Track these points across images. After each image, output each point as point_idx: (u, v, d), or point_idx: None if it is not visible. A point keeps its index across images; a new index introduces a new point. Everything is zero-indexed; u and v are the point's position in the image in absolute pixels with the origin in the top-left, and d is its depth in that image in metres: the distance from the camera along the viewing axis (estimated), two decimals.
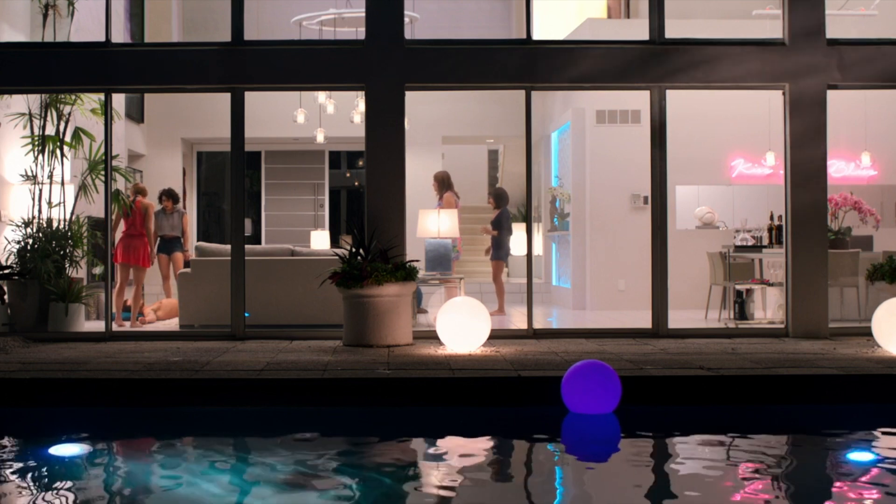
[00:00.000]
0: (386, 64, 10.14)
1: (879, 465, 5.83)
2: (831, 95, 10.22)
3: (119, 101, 13.70)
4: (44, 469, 5.74)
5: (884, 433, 6.60)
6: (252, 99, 10.43)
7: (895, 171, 13.79)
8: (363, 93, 10.79)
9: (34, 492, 5.20)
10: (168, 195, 13.20)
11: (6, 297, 10.18)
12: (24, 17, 11.70)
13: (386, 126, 10.13)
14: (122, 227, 11.72)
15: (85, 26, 11.96)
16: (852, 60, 10.19)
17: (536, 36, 10.52)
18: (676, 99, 10.69)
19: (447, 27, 16.30)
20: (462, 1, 17.18)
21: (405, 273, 9.25)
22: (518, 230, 15.21)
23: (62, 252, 10.74)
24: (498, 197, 13.46)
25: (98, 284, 12.00)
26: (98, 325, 10.89)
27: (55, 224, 10.93)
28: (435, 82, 10.47)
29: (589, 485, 5.53)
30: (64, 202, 11.07)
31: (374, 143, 10.12)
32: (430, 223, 10.76)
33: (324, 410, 7.16)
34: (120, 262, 11.58)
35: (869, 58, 10.23)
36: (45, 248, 10.63)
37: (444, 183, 12.71)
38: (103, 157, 10.52)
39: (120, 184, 11.45)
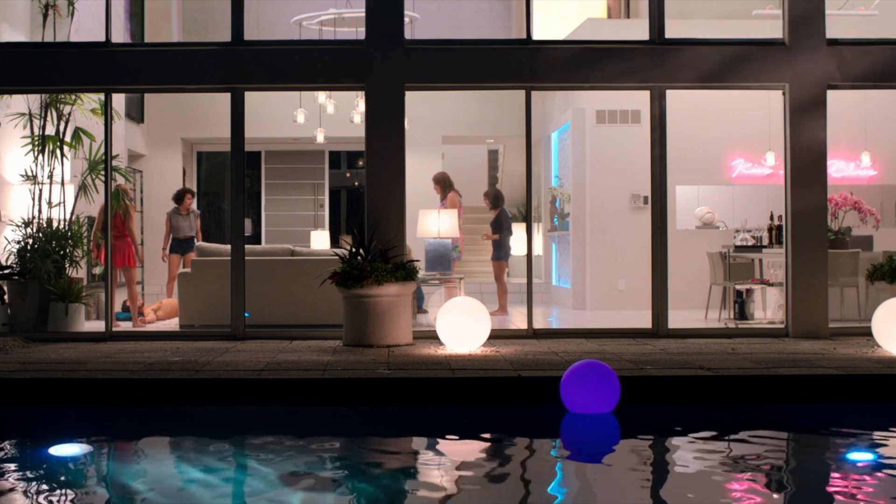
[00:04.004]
0: (386, 64, 10.14)
1: (879, 464, 5.83)
2: (831, 95, 10.22)
3: (119, 101, 13.69)
4: (44, 469, 5.74)
5: (883, 433, 6.60)
6: (252, 99, 10.43)
7: (895, 171, 13.79)
8: (363, 93, 10.79)
9: (34, 492, 5.20)
10: (192, 194, 13.15)
11: (6, 297, 10.18)
12: (24, 17, 11.70)
13: (386, 126, 10.12)
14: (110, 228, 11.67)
15: (85, 26, 11.96)
16: (852, 60, 10.19)
17: (536, 36, 10.52)
18: (676, 99, 10.69)
19: (447, 27, 16.29)
20: (462, 1, 17.17)
21: (405, 273, 9.25)
22: (518, 230, 15.21)
23: (62, 252, 10.74)
24: (494, 197, 13.45)
25: (98, 284, 11.99)
26: (98, 325, 10.89)
27: (55, 224, 10.92)
28: (435, 82, 10.46)
29: (588, 484, 5.53)
30: (64, 202, 11.06)
31: (374, 143, 10.12)
32: (430, 223, 10.76)
33: (324, 410, 7.17)
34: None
35: (869, 58, 10.23)
36: (45, 248, 10.63)
37: (444, 183, 12.71)
38: (103, 157, 10.52)
39: (120, 184, 11.45)
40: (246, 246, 10.30)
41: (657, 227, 10.25)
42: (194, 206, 13.46)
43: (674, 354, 8.53)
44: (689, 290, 12.71)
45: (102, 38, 10.34)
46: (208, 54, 10.35)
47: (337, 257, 9.68)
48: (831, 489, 5.35)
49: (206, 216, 18.66)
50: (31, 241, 10.67)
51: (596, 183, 13.77)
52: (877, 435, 6.55)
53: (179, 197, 13.11)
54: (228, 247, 10.41)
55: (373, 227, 9.86)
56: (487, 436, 6.59)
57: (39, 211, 10.91)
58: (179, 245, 12.98)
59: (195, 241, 13.04)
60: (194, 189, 17.00)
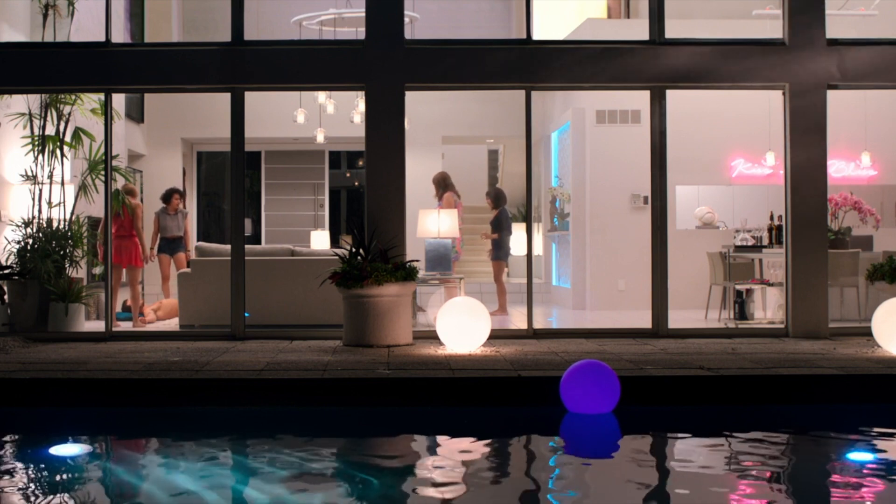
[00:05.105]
0: (386, 64, 10.14)
1: (879, 465, 5.83)
2: (831, 95, 10.22)
3: (119, 101, 13.69)
4: (44, 469, 5.74)
5: (883, 433, 6.60)
6: (252, 99, 10.43)
7: (895, 171, 13.79)
8: (363, 93, 10.80)
9: (34, 492, 5.20)
10: (180, 194, 13.13)
11: (6, 297, 10.18)
12: (24, 17, 11.70)
13: (386, 126, 10.12)
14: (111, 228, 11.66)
15: (85, 26, 11.96)
16: (852, 60, 10.19)
17: (536, 36, 10.52)
18: (676, 99, 10.69)
19: (447, 27, 16.29)
20: (462, 1, 17.17)
21: (405, 273, 9.25)
22: (518, 230, 15.21)
23: (62, 252, 10.73)
24: (496, 197, 13.46)
25: (98, 284, 11.99)
26: (98, 325, 10.89)
27: (55, 224, 10.92)
28: (435, 82, 10.46)
29: (588, 485, 5.53)
30: (64, 202, 11.06)
31: (374, 143, 10.12)
32: (430, 223, 10.76)
33: (324, 410, 7.17)
34: (112, 264, 11.54)
35: (869, 58, 10.23)
36: (45, 248, 10.62)
37: (441, 184, 12.72)
38: (103, 157, 10.52)
39: (120, 184, 11.45)
40: (246, 246, 10.30)
41: (657, 227, 10.25)
42: (186, 205, 13.42)
43: (674, 354, 8.53)
44: (689, 290, 12.71)
45: (102, 38, 10.34)
46: (208, 54, 10.35)
47: (337, 257, 9.68)
48: (831, 489, 5.35)
49: (207, 216, 18.67)
50: (31, 241, 10.67)
51: (596, 183, 13.78)
52: (877, 435, 6.55)
53: (167, 197, 13.08)
54: (228, 247, 10.42)
55: (373, 227, 9.86)
56: (487, 436, 6.59)
57: (39, 211, 10.91)
58: (168, 245, 12.94)
59: (183, 240, 13.03)
60: (187, 189, 17.00)
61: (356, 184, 20.07)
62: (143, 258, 11.75)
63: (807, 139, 10.13)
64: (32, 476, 5.55)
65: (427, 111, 15.91)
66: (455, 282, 11.19)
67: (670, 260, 10.33)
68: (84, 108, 11.09)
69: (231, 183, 10.53)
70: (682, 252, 12.70)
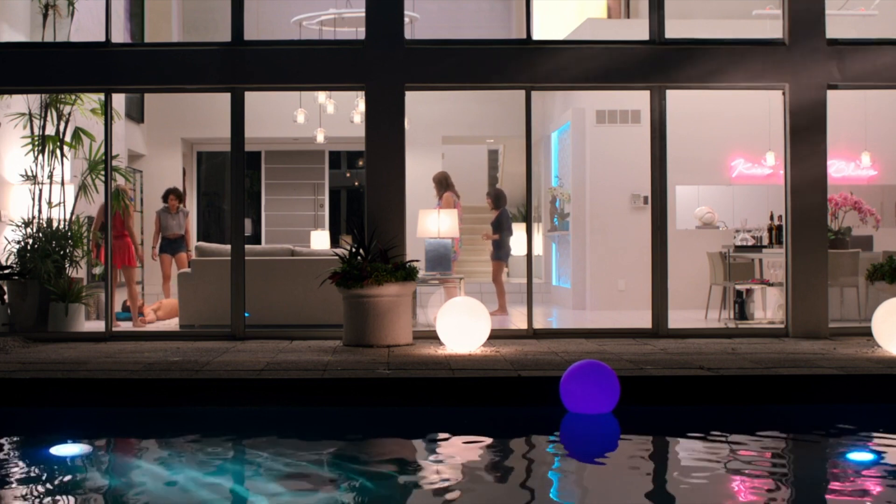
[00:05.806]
0: (386, 64, 10.14)
1: (879, 465, 5.83)
2: (831, 95, 10.22)
3: (119, 101, 13.69)
4: (44, 469, 5.74)
5: (883, 433, 6.60)
6: (252, 99, 10.43)
7: (895, 171, 13.79)
8: (363, 93, 10.80)
9: (34, 492, 5.20)
10: (176, 194, 13.11)
11: (6, 297, 10.18)
12: (24, 17, 11.70)
13: (386, 126, 10.13)
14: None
15: (85, 26, 11.96)
16: (852, 60, 10.19)
17: (536, 36, 10.52)
18: (676, 99, 10.69)
19: (447, 27, 16.29)
20: (462, 1, 17.17)
21: (405, 273, 9.26)
22: (518, 230, 15.21)
23: (62, 252, 10.73)
24: (496, 198, 13.46)
25: (98, 284, 11.99)
26: (98, 325, 10.89)
27: (55, 224, 10.92)
28: (435, 82, 10.47)
29: (588, 485, 5.53)
30: (64, 202, 11.06)
31: (374, 143, 10.13)
32: (430, 223, 10.76)
33: (324, 410, 7.17)
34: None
35: (869, 58, 10.23)
36: (45, 248, 10.63)
37: (441, 184, 12.72)
38: (103, 157, 10.52)
39: (120, 184, 11.45)
40: (246, 246, 10.30)
41: (657, 227, 10.25)
42: (186, 204, 13.40)
43: (674, 354, 8.53)
44: (689, 290, 12.71)
45: (102, 38, 10.34)
46: (208, 54, 10.35)
47: (337, 257, 9.68)
48: (831, 489, 5.35)
49: (207, 216, 18.66)
50: (31, 241, 10.67)
51: (596, 183, 13.77)
52: (877, 435, 6.55)
53: (165, 196, 13.11)
54: (228, 247, 10.42)
55: (373, 227, 9.87)
56: (487, 436, 6.59)
57: (39, 211, 10.91)
58: (169, 244, 12.94)
59: (185, 240, 13.02)
60: (186, 189, 16.99)
61: (356, 184, 20.07)
62: (137, 258, 11.74)
63: (807, 139, 10.13)
64: (32, 476, 5.55)
65: (427, 111, 15.91)
66: (455, 282, 11.19)
67: (670, 260, 10.33)
68: (84, 108, 11.09)
69: (231, 183, 10.53)
70: (682, 252, 12.70)
